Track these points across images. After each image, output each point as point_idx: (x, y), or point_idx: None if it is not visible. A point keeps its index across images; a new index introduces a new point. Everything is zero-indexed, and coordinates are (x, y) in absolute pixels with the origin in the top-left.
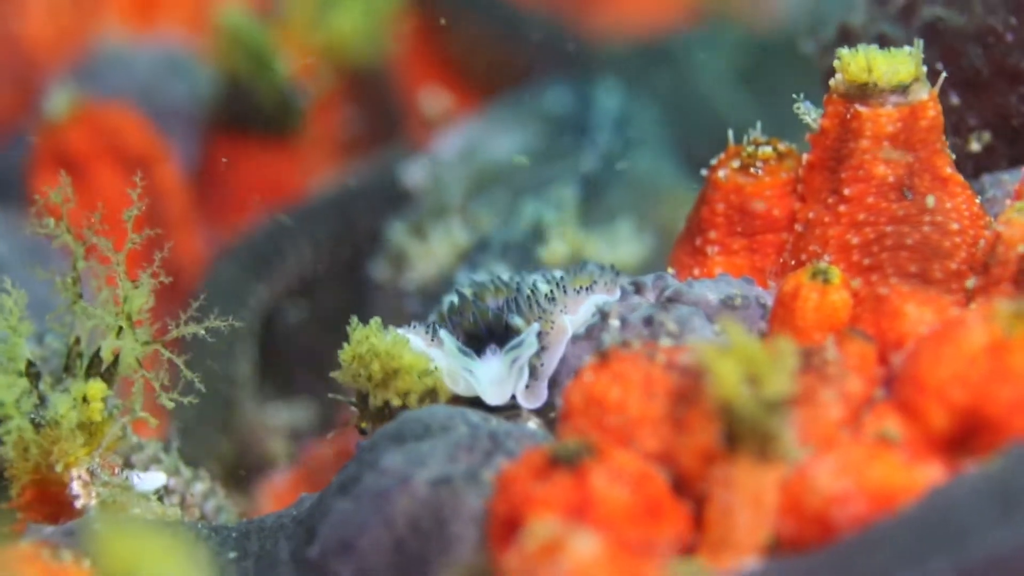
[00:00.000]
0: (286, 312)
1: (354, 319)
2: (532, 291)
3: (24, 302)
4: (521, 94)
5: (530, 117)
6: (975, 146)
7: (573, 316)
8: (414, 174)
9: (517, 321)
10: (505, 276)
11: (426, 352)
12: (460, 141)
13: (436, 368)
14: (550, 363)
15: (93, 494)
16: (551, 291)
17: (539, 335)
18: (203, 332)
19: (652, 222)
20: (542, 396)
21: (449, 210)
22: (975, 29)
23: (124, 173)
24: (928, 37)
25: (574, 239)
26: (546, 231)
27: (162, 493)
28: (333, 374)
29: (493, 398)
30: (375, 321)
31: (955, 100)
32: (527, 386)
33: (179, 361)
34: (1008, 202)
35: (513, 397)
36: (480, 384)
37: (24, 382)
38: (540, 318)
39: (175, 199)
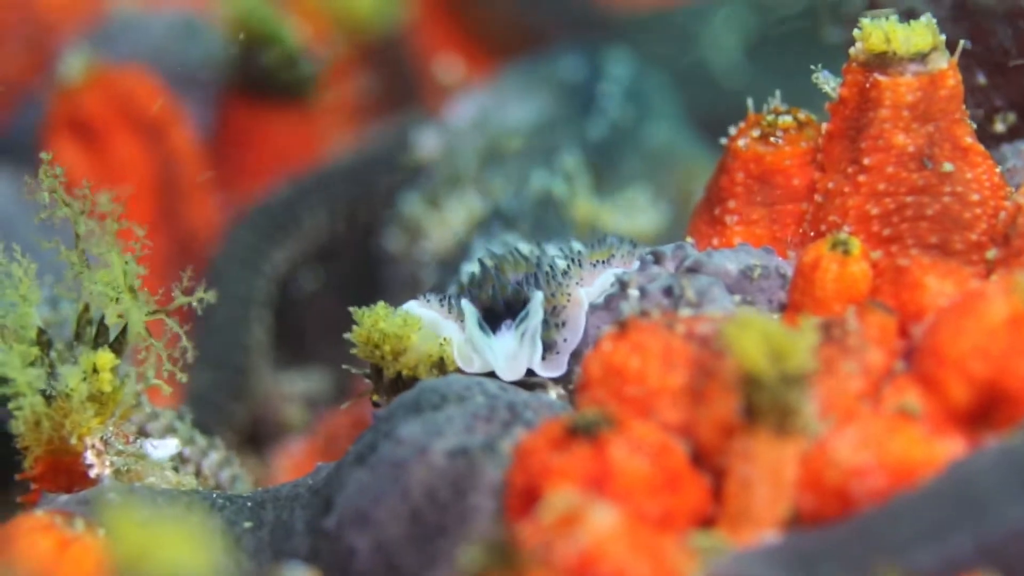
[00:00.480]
0: (302, 279)
1: (357, 311)
2: (551, 267)
3: (34, 270)
4: (534, 61)
5: (543, 84)
6: (1000, 127)
7: (589, 288)
8: (426, 142)
9: (537, 296)
10: (525, 248)
11: (439, 326)
12: (473, 109)
13: (445, 341)
14: (573, 337)
15: (107, 463)
16: (568, 266)
17: (553, 308)
18: (211, 300)
19: (668, 191)
20: (562, 366)
21: (463, 179)
22: (1005, 9)
23: (139, 138)
24: (957, 15)
25: (589, 208)
26: (558, 201)
27: (176, 462)
28: (351, 349)
29: (508, 374)
30: (381, 306)
31: (982, 79)
32: (544, 357)
33: (180, 330)
34: None
35: (531, 371)
36: (496, 360)
37: (35, 351)
38: (555, 293)
39: (190, 164)
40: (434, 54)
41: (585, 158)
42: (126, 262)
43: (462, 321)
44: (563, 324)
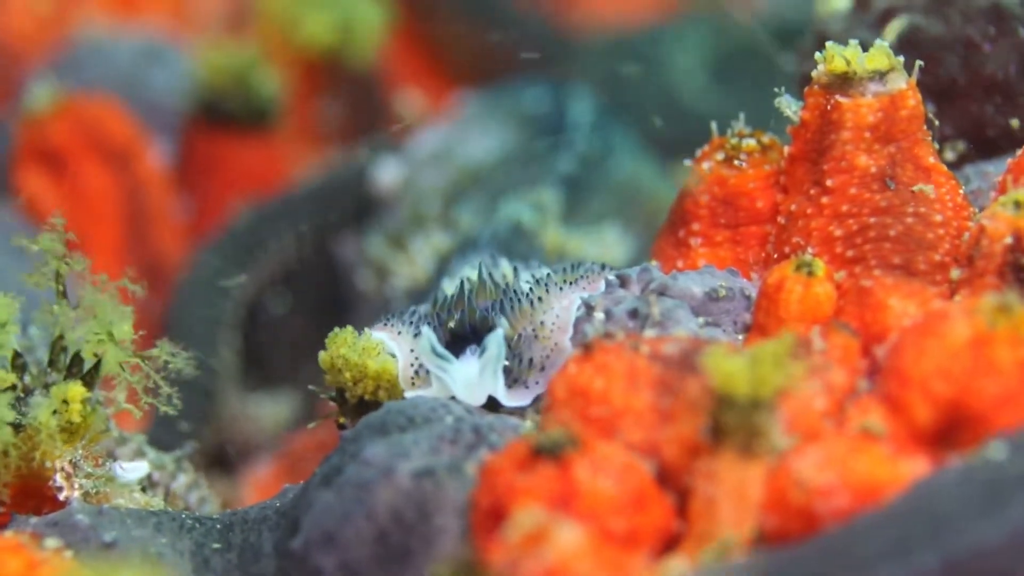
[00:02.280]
0: (269, 303)
1: (333, 331)
2: (516, 293)
3: (15, 310)
4: (498, 94)
5: (507, 117)
6: (949, 155)
7: (570, 333)
8: (385, 176)
9: (502, 324)
10: (499, 272)
11: (392, 349)
12: (434, 141)
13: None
14: (545, 382)
15: (76, 485)
16: (533, 290)
17: (528, 343)
18: (182, 359)
19: (636, 224)
20: (527, 399)
21: (427, 219)
22: (952, 38)
23: (106, 166)
24: (906, 45)
25: (558, 239)
26: (529, 231)
27: (145, 484)
28: (320, 373)
29: (467, 399)
30: (348, 331)
31: (930, 108)
32: (508, 387)
33: (161, 381)
34: (992, 194)
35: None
36: (455, 384)
37: (11, 377)
38: (528, 322)
39: (157, 191)
40: (399, 80)
41: (558, 191)
42: (112, 310)
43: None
44: (542, 369)
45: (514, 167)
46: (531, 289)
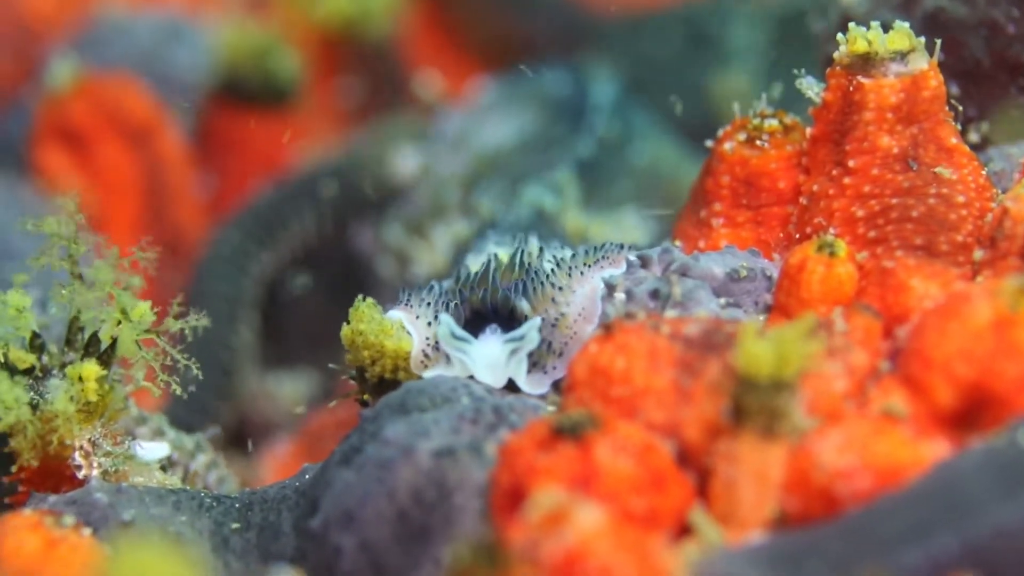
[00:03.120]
0: (289, 280)
1: (358, 300)
2: (538, 275)
3: (30, 297)
4: (518, 78)
5: (527, 101)
6: (974, 136)
7: (589, 312)
8: (404, 163)
9: (523, 306)
10: (525, 251)
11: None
12: (453, 127)
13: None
14: (563, 368)
15: (95, 464)
16: (555, 271)
17: (549, 328)
18: (205, 324)
19: (655, 208)
20: (545, 387)
21: (447, 207)
22: (977, 20)
23: (126, 144)
24: (930, 27)
25: (579, 223)
26: (550, 215)
27: (165, 464)
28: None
29: (487, 380)
30: (368, 304)
31: (955, 90)
32: (529, 371)
33: (178, 355)
34: (1016, 176)
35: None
36: (476, 365)
37: (31, 357)
38: (550, 304)
39: (176, 168)
40: (421, 59)
41: (575, 174)
42: (124, 285)
43: (433, 323)
44: (559, 354)
45: (533, 152)
46: (553, 270)
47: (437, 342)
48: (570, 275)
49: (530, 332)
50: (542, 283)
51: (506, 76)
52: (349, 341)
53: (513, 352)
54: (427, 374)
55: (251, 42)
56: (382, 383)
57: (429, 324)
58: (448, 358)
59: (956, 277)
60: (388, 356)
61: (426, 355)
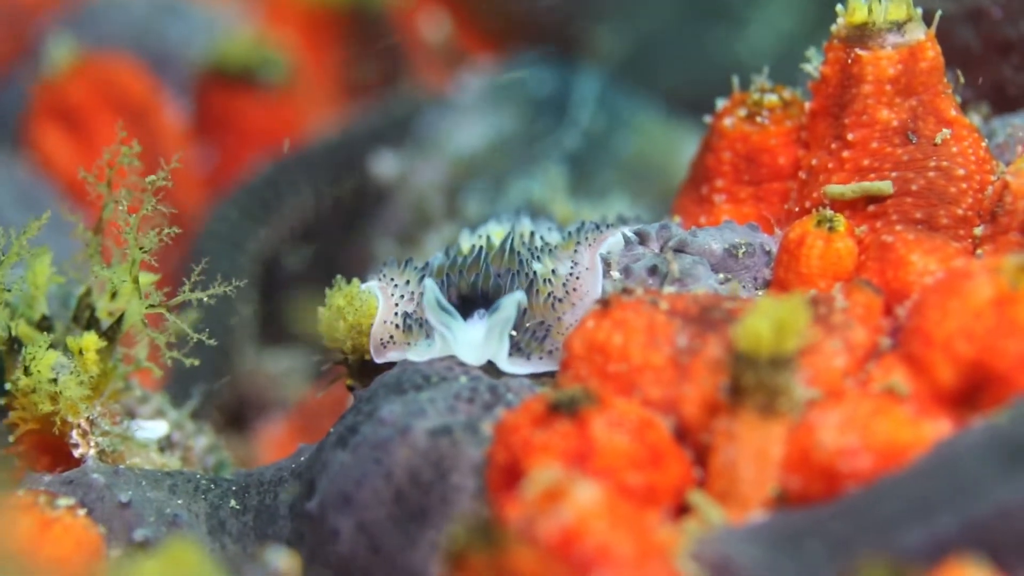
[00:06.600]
0: (286, 257)
1: (338, 280)
2: (536, 274)
3: (47, 271)
4: (500, 78)
5: (506, 102)
6: (975, 119)
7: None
8: (384, 167)
9: (514, 295)
10: (518, 231)
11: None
12: (427, 130)
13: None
14: (549, 362)
15: (92, 443)
16: (551, 251)
17: (536, 324)
18: (206, 299)
19: (645, 200)
20: (524, 368)
21: (433, 217)
22: (964, 12)
23: (123, 123)
24: None
25: (568, 211)
26: (539, 204)
27: (164, 444)
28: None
29: (467, 357)
30: (353, 284)
31: (949, 77)
32: (510, 354)
33: (185, 325)
34: (1019, 148)
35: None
36: (456, 343)
37: (45, 339)
38: (546, 309)
39: (173, 146)
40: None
41: (562, 166)
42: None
43: (408, 299)
44: (550, 352)
45: (514, 149)
46: (550, 249)
47: (404, 320)
48: (576, 250)
49: (506, 304)
50: (536, 282)
51: (486, 75)
52: (326, 327)
53: (491, 328)
54: (392, 355)
55: (242, 53)
56: (365, 365)
57: (397, 304)
58: (428, 335)
59: (956, 251)
60: (365, 333)
61: (391, 336)
